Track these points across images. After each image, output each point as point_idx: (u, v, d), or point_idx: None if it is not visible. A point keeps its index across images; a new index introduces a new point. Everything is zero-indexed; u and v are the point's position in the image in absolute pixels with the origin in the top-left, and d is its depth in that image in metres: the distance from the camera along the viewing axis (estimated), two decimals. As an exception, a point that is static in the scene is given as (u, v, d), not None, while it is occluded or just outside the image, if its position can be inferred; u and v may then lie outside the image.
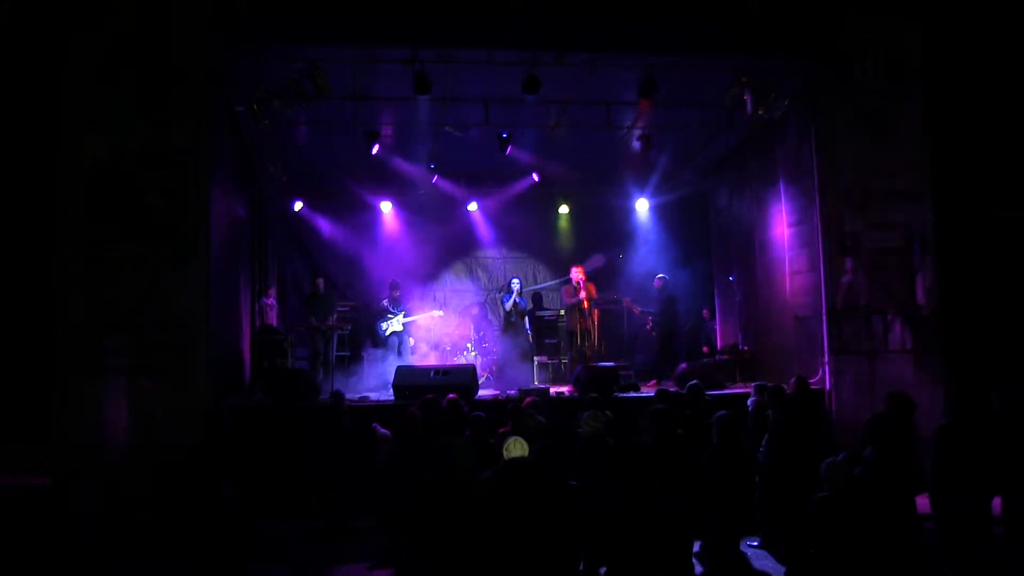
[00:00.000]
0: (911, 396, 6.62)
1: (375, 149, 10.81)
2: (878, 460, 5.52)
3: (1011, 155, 10.14)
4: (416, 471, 5.98)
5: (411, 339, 11.85)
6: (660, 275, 12.22)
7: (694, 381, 8.29)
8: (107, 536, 6.35)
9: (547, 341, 12.35)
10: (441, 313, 12.59)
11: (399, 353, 11.59)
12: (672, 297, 12.05)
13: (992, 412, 6.22)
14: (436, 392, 7.86)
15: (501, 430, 6.75)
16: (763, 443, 6.89)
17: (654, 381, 11.11)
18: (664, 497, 5.51)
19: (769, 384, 7.73)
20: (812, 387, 9.25)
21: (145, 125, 7.94)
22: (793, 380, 7.65)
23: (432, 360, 11.44)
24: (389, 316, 11.70)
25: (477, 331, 12.51)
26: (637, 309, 12.46)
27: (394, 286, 12.01)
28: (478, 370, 10.42)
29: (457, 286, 14.24)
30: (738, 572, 6.19)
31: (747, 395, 8.36)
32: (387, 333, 11.66)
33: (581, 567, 5.36)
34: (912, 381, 8.87)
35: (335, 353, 11.64)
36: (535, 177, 12.67)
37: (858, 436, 6.80)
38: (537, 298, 13.10)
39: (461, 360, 11.68)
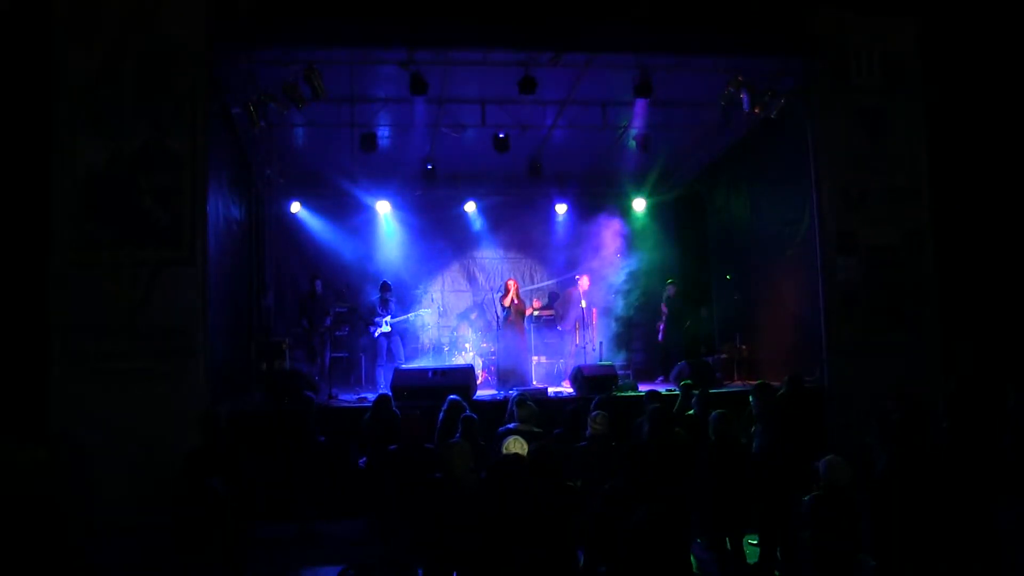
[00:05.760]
0: (913, 393, 6.62)
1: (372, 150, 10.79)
2: (894, 460, 5.50)
3: (1008, 151, 10.16)
4: (411, 472, 5.96)
5: (399, 339, 11.82)
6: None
7: (687, 381, 8.31)
8: (102, 538, 6.33)
9: (545, 341, 12.36)
10: (429, 311, 12.57)
11: (389, 354, 11.56)
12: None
13: (1007, 410, 6.20)
14: (434, 393, 7.86)
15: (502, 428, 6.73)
16: (755, 439, 6.89)
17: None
18: (664, 496, 5.50)
19: (775, 384, 7.74)
20: (810, 385, 9.31)
21: (141, 128, 7.93)
22: (786, 378, 7.64)
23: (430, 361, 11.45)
24: (378, 318, 11.68)
25: (475, 331, 12.51)
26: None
27: (384, 287, 11.98)
28: (476, 371, 10.42)
29: (455, 287, 14.24)
30: (736, 570, 6.18)
31: (746, 393, 8.35)
32: (376, 335, 11.65)
33: (580, 565, 5.36)
34: (911, 378, 8.86)
35: (331, 354, 11.62)
36: (531, 176, 12.66)
37: (856, 434, 6.82)
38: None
39: (459, 360, 11.69)
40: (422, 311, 12.51)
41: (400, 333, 11.86)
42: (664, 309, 12.24)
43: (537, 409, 6.96)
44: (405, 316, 11.93)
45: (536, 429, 6.50)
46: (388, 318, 11.67)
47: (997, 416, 6.36)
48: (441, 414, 7.09)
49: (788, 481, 6.13)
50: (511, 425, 6.71)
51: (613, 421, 6.51)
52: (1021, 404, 6.23)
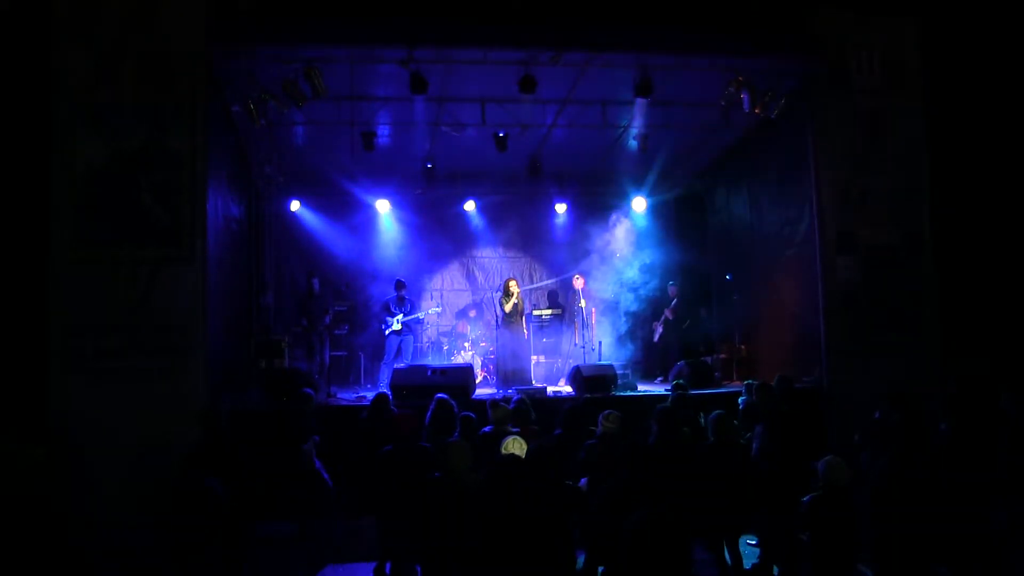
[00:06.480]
0: (911, 394, 6.62)
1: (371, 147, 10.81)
2: (888, 461, 5.51)
3: (1008, 151, 10.16)
4: (408, 471, 5.96)
5: (411, 338, 11.84)
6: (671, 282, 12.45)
7: (680, 380, 8.31)
8: (101, 537, 6.35)
9: (544, 340, 12.36)
10: (439, 310, 12.60)
11: (398, 353, 11.57)
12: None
13: (1003, 411, 6.20)
14: (433, 392, 7.85)
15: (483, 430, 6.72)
16: (755, 440, 6.89)
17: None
18: (668, 496, 5.51)
19: (756, 382, 7.74)
20: (810, 385, 9.32)
21: (141, 127, 7.93)
22: (776, 378, 7.64)
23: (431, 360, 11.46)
24: (390, 317, 11.69)
25: (474, 330, 12.52)
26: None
27: (399, 286, 11.98)
28: (476, 370, 10.41)
29: (454, 285, 14.25)
30: (735, 571, 6.18)
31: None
32: (387, 333, 11.65)
33: (581, 564, 5.36)
34: (910, 379, 8.87)
35: (330, 353, 11.62)
36: (531, 176, 12.65)
37: (856, 434, 6.81)
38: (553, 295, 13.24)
39: (458, 359, 11.69)
40: (432, 310, 12.51)
41: (413, 331, 11.86)
42: (669, 315, 12.20)
43: (510, 409, 6.94)
44: (415, 315, 11.92)
45: (513, 429, 6.47)
46: (400, 316, 11.67)
47: (996, 417, 6.36)
48: (429, 413, 7.08)
49: (786, 481, 6.13)
50: (487, 428, 6.70)
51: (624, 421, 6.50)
52: (1012, 404, 6.23)
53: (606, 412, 6.42)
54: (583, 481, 5.96)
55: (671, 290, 12.45)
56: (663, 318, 12.26)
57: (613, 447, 6.13)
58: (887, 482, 5.42)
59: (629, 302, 12.71)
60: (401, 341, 11.66)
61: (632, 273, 12.96)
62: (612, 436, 6.25)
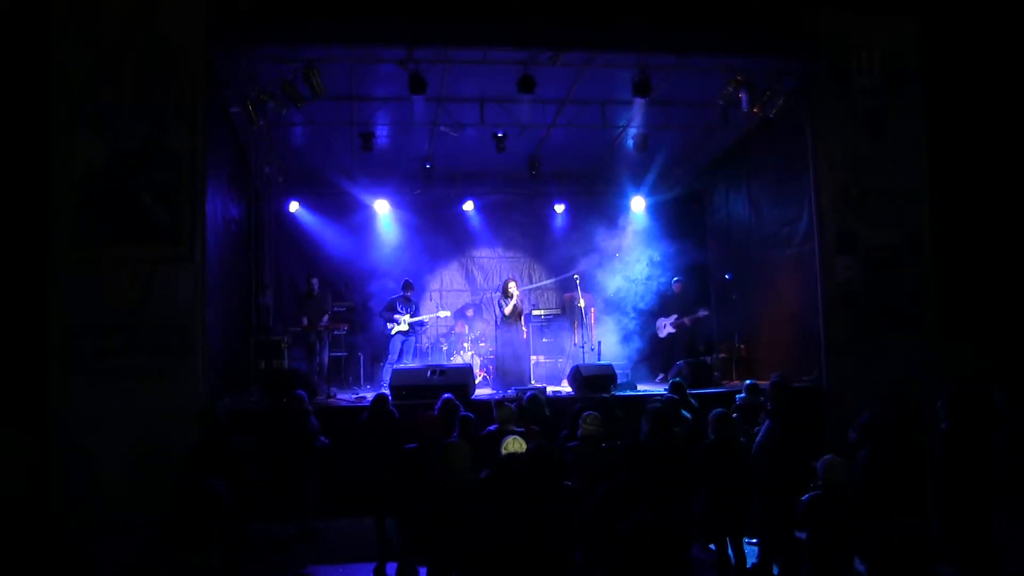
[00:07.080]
0: (910, 394, 6.62)
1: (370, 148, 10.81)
2: (879, 460, 5.52)
3: (1008, 151, 10.16)
4: (425, 472, 5.96)
5: (414, 339, 11.83)
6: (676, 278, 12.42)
7: (677, 379, 8.32)
8: (102, 536, 6.33)
9: (544, 340, 12.36)
10: (448, 313, 12.59)
11: (402, 353, 11.56)
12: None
13: (998, 411, 6.21)
14: (433, 392, 7.86)
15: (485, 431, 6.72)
16: (756, 440, 6.89)
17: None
18: (662, 496, 5.50)
19: (761, 383, 7.73)
20: (809, 385, 9.32)
21: (141, 127, 7.93)
22: (772, 377, 7.65)
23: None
24: (397, 317, 11.68)
25: (474, 331, 12.51)
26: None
27: (408, 287, 11.96)
28: (475, 370, 10.39)
29: (453, 285, 14.24)
30: (737, 570, 6.18)
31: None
32: (392, 332, 11.64)
33: (578, 565, 5.36)
34: (910, 378, 8.88)
35: (330, 353, 11.61)
36: (530, 175, 12.65)
37: (852, 432, 6.82)
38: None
39: (458, 360, 11.69)
40: (442, 313, 12.49)
41: (416, 333, 11.86)
42: (687, 323, 12.07)
43: (515, 409, 6.94)
44: (421, 317, 11.90)
45: (518, 428, 6.48)
46: (407, 316, 11.65)
47: (994, 416, 6.36)
48: (435, 413, 7.09)
49: (785, 480, 6.13)
50: (491, 428, 6.71)
51: (605, 421, 6.49)
52: (1008, 403, 6.24)
53: (585, 414, 6.40)
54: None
55: (676, 286, 12.38)
56: (675, 319, 12.13)
57: (594, 449, 6.13)
58: (875, 480, 5.43)
59: (630, 301, 12.70)
60: (404, 342, 11.65)
61: (632, 272, 12.95)
62: (592, 438, 6.24)
